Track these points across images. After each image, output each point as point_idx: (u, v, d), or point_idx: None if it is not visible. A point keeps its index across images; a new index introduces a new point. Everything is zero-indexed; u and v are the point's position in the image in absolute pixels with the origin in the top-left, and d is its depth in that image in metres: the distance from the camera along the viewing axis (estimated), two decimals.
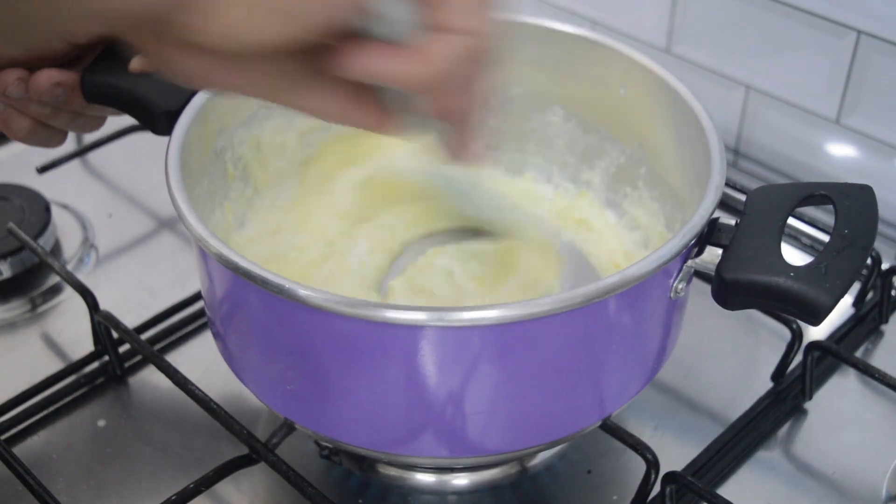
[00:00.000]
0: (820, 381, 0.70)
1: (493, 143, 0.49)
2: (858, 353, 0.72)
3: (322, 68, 0.43)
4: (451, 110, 0.45)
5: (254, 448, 0.61)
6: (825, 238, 0.75)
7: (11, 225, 0.76)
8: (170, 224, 0.84)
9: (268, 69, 0.43)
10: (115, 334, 0.69)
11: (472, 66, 0.43)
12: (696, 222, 0.52)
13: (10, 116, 0.61)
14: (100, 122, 0.66)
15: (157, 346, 0.72)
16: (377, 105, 0.46)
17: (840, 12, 0.79)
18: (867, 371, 0.67)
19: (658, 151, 0.67)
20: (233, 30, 0.38)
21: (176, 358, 0.72)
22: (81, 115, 0.64)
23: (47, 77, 0.60)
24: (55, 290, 0.78)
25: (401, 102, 0.45)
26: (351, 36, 0.41)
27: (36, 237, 0.78)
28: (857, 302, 0.75)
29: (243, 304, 0.54)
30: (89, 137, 0.89)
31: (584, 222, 0.72)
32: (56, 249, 0.81)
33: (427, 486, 0.64)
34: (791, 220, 0.55)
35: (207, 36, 0.39)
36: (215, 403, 0.63)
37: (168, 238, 0.83)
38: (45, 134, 0.63)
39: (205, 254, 0.53)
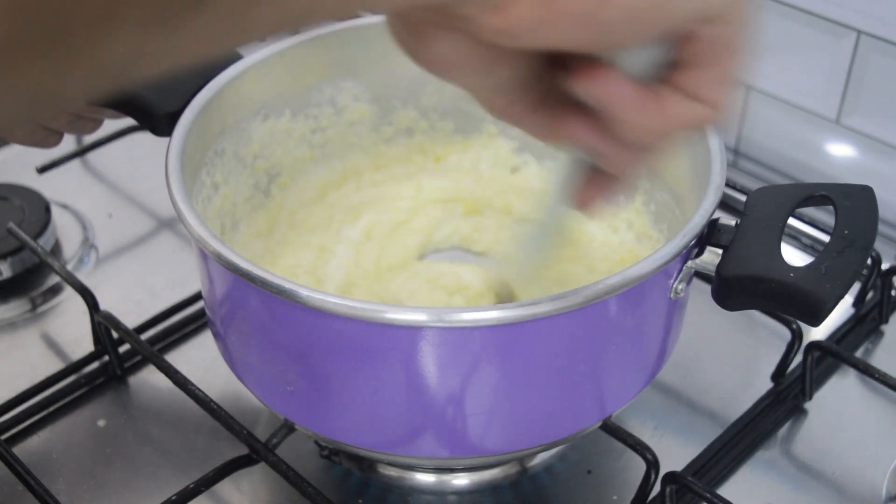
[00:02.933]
0: (820, 381, 0.70)
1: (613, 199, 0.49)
2: (858, 353, 0.72)
3: (557, 84, 0.42)
4: (627, 164, 0.45)
5: (254, 448, 0.61)
6: (825, 238, 0.75)
7: (11, 225, 0.76)
8: (170, 224, 0.84)
9: (511, 77, 0.42)
10: (115, 334, 0.69)
11: (687, 133, 0.43)
12: (696, 223, 0.52)
13: None
14: (97, 124, 0.66)
15: (157, 346, 0.72)
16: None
17: (840, 12, 0.79)
18: (867, 371, 0.67)
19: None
20: (519, 26, 0.37)
21: (176, 358, 0.72)
22: (80, 117, 0.64)
23: None
24: (55, 290, 0.78)
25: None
26: (596, 60, 0.40)
27: (36, 237, 0.78)
28: (857, 302, 0.75)
29: (243, 305, 0.54)
30: (89, 137, 0.89)
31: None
32: (56, 249, 0.81)
33: (427, 486, 0.64)
34: (791, 221, 0.55)
35: (489, 28, 0.37)
36: (215, 403, 0.63)
37: (168, 238, 0.83)
38: (42, 135, 0.63)
39: (204, 254, 0.53)
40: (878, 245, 0.73)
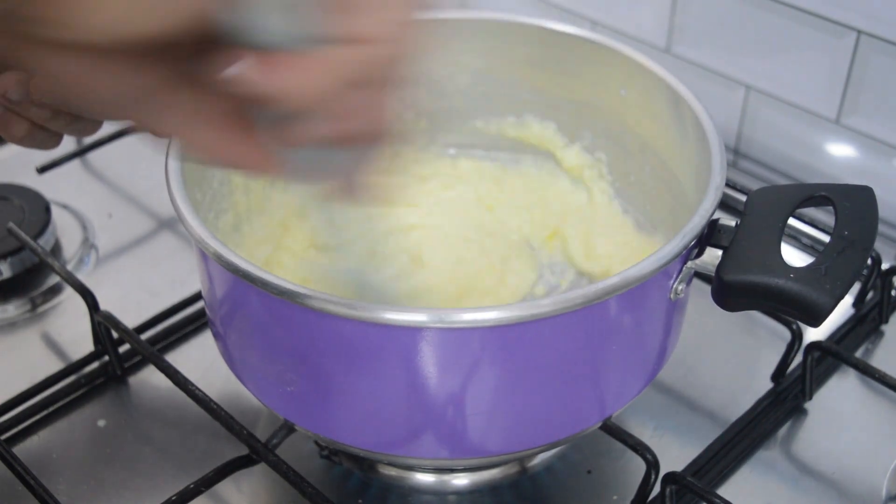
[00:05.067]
0: (820, 381, 0.70)
1: (396, 176, 0.44)
2: (858, 354, 0.72)
3: (196, 79, 0.39)
4: (348, 135, 0.40)
5: (254, 448, 0.61)
6: (826, 238, 0.75)
7: (11, 225, 0.76)
8: (170, 224, 0.84)
9: (133, 74, 0.38)
10: (115, 334, 0.69)
11: (376, 78, 0.38)
12: (697, 223, 0.52)
13: (9, 120, 0.61)
14: (97, 125, 0.66)
15: (157, 346, 0.72)
16: (259, 140, 0.40)
17: (840, 12, 0.79)
18: (867, 371, 0.67)
19: (658, 152, 0.67)
20: (108, 20, 0.34)
21: (176, 358, 0.72)
22: (80, 118, 0.63)
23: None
24: (55, 290, 0.78)
25: (284, 132, 0.40)
26: (230, 44, 0.37)
27: (36, 237, 0.78)
28: (857, 302, 0.75)
29: (243, 306, 0.54)
30: (89, 137, 0.89)
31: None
32: (56, 249, 0.81)
33: (427, 487, 0.64)
34: (791, 221, 0.55)
35: (77, 28, 0.34)
36: (215, 403, 0.63)
37: (168, 238, 0.83)
38: (41, 137, 0.63)
39: (205, 255, 0.53)
40: (878, 245, 0.73)
